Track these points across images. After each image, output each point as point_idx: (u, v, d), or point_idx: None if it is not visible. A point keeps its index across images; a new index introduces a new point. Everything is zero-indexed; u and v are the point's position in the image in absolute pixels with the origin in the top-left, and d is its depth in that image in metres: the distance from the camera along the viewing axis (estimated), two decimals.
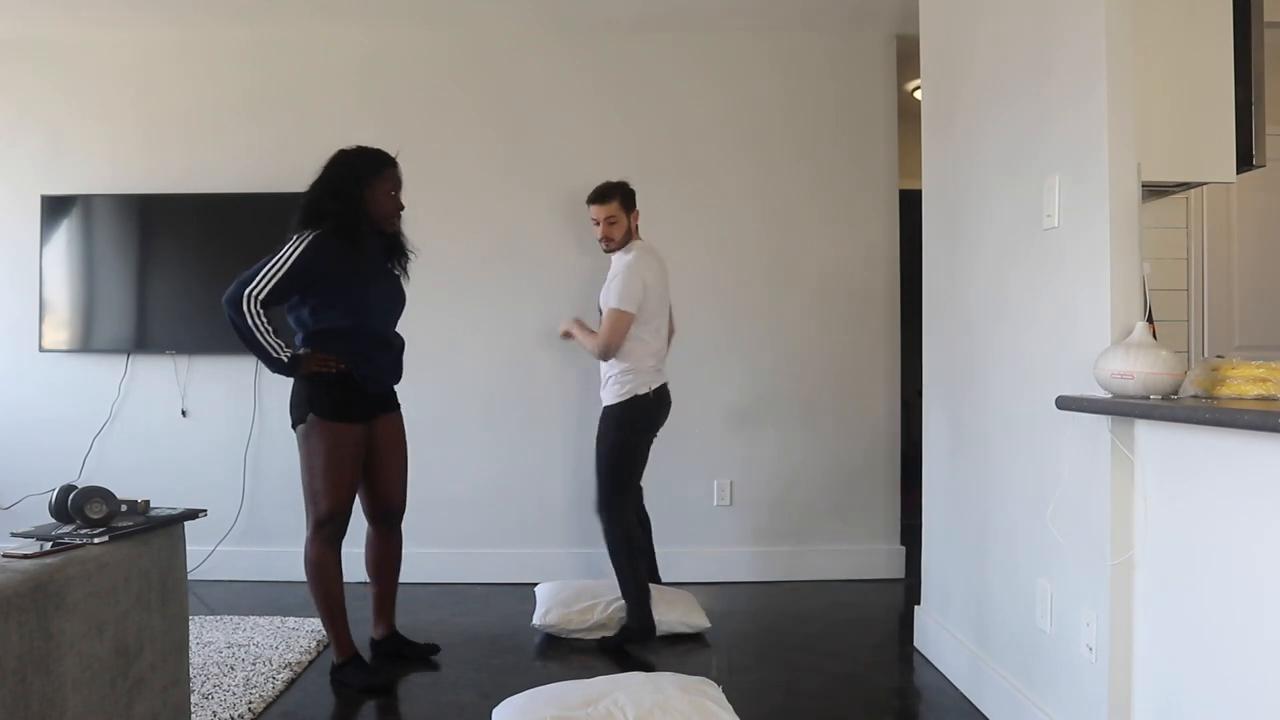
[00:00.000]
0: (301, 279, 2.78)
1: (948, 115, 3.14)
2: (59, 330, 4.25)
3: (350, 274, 2.83)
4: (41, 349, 4.25)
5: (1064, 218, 2.28)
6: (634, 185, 4.41)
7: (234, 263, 4.09)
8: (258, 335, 2.73)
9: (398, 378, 3.10)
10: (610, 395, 3.38)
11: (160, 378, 4.29)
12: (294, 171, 4.18)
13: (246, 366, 4.25)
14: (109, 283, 4.22)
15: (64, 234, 4.22)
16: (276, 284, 2.74)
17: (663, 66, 4.31)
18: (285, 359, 2.77)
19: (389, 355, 3.03)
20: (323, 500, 2.85)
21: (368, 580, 3.21)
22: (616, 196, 3.41)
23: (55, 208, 4.22)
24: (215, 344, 4.19)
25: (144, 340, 4.23)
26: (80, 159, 4.31)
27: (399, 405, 3.14)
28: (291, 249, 2.78)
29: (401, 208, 3.00)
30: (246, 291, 2.72)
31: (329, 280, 2.81)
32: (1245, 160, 2.17)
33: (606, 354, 3.35)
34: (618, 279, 3.32)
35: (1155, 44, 2.12)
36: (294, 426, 2.90)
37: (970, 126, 2.92)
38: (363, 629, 3.51)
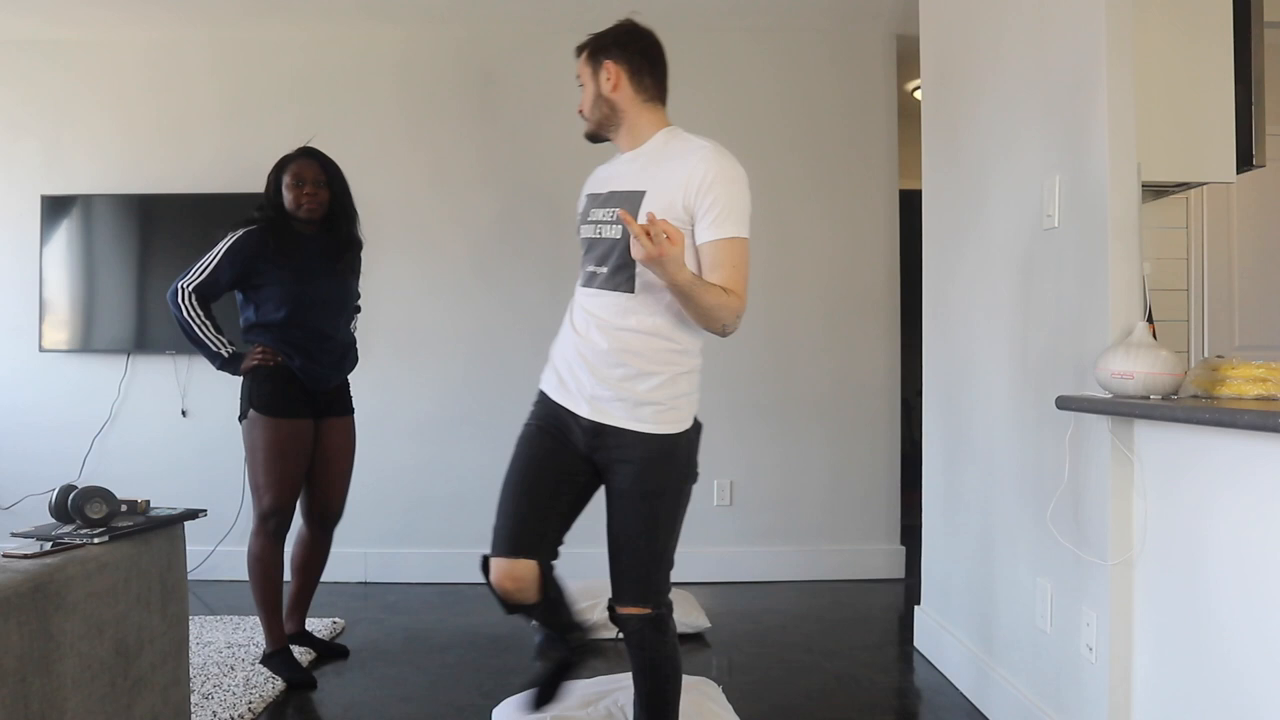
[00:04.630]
0: (232, 269, 2.89)
1: (948, 115, 3.14)
2: (59, 330, 4.24)
3: (284, 268, 2.92)
4: (41, 349, 4.25)
5: (1064, 218, 2.28)
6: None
7: None
8: (194, 328, 2.88)
9: (341, 374, 3.10)
10: (673, 416, 1.97)
11: (160, 378, 4.29)
12: None
13: None
14: (109, 283, 4.22)
15: (64, 234, 4.22)
16: (208, 275, 2.89)
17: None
18: (225, 354, 2.90)
19: (330, 350, 3.02)
20: (265, 494, 2.92)
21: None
22: (587, 48, 2.10)
23: (55, 208, 4.22)
24: None
25: (144, 340, 4.22)
26: (80, 159, 4.30)
27: (352, 409, 3.15)
28: (222, 244, 2.93)
29: (311, 197, 2.95)
30: (180, 284, 2.88)
31: (262, 273, 2.91)
32: (1245, 160, 2.18)
33: (736, 320, 1.93)
34: (719, 189, 1.89)
35: (1155, 43, 2.12)
36: (239, 420, 2.97)
37: (970, 126, 2.92)
38: (365, 629, 3.51)
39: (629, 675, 2.68)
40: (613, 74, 2.03)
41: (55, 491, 2.01)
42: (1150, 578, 1.98)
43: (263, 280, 2.92)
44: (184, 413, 4.30)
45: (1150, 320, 2.07)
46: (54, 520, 2.00)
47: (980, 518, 2.83)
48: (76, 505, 1.96)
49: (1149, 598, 1.98)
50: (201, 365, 4.27)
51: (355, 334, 3.19)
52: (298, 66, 4.30)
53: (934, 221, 3.28)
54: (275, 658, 2.96)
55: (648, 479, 1.95)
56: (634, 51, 2.05)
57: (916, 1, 3.41)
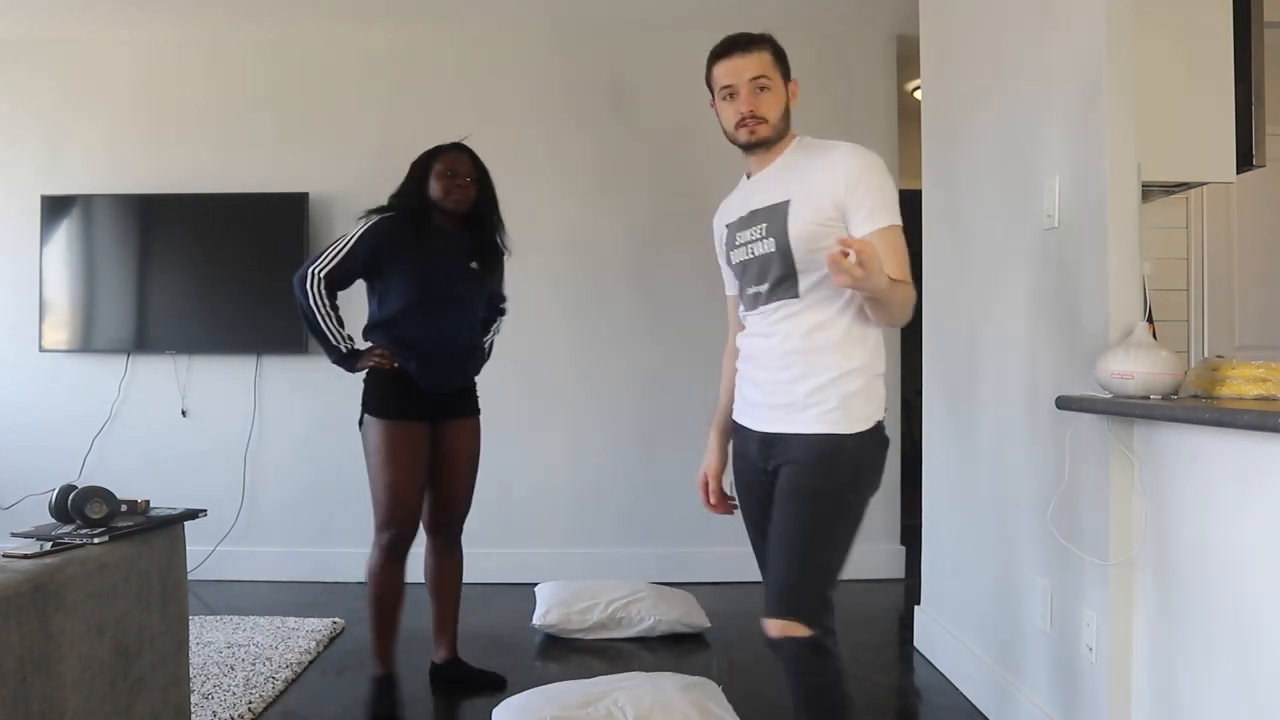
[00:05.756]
0: (367, 253, 2.73)
1: (948, 115, 3.14)
2: (59, 330, 4.24)
3: (413, 262, 2.74)
4: (41, 349, 4.25)
5: (1064, 218, 2.28)
6: (636, 182, 4.40)
7: (234, 263, 4.11)
8: (318, 316, 2.70)
9: (462, 379, 2.88)
10: (840, 415, 1.83)
11: (160, 378, 4.29)
12: (294, 172, 4.21)
13: (246, 366, 4.25)
14: (109, 283, 4.22)
15: (64, 234, 4.22)
16: (341, 260, 2.71)
17: (663, 65, 4.30)
18: (344, 349, 2.73)
19: (449, 353, 2.81)
20: (380, 506, 2.75)
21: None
22: (767, 46, 2.02)
23: (55, 208, 4.22)
24: (215, 344, 4.20)
25: (144, 340, 4.22)
26: (80, 159, 4.31)
27: (477, 410, 2.95)
28: (357, 228, 2.77)
29: (462, 189, 2.79)
30: (311, 269, 2.71)
31: (391, 265, 2.74)
32: (1245, 160, 2.18)
33: (908, 308, 1.84)
34: (867, 181, 1.85)
35: (1155, 44, 2.12)
36: (359, 425, 2.80)
37: (970, 126, 2.92)
38: (365, 629, 3.51)
39: (630, 675, 2.70)
40: (796, 90, 2.02)
41: (55, 491, 2.01)
42: (1150, 578, 1.98)
43: (392, 270, 2.73)
44: (184, 413, 4.30)
45: (1150, 320, 2.07)
46: (54, 520, 2.00)
47: (980, 518, 2.83)
48: (76, 505, 1.96)
49: (1149, 598, 1.98)
50: (202, 366, 4.28)
51: (491, 338, 3.03)
52: (300, 67, 4.30)
53: (934, 221, 3.28)
54: (373, 684, 2.81)
55: (807, 477, 1.82)
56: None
57: (916, 1, 3.41)
